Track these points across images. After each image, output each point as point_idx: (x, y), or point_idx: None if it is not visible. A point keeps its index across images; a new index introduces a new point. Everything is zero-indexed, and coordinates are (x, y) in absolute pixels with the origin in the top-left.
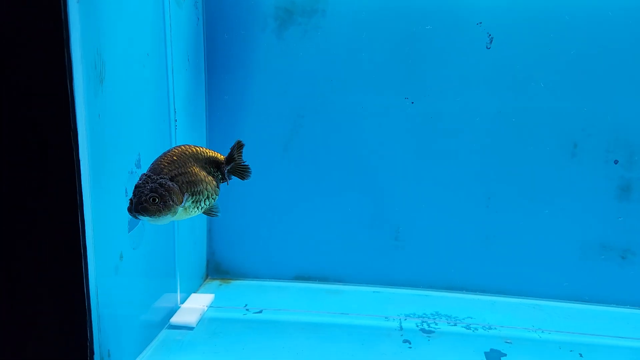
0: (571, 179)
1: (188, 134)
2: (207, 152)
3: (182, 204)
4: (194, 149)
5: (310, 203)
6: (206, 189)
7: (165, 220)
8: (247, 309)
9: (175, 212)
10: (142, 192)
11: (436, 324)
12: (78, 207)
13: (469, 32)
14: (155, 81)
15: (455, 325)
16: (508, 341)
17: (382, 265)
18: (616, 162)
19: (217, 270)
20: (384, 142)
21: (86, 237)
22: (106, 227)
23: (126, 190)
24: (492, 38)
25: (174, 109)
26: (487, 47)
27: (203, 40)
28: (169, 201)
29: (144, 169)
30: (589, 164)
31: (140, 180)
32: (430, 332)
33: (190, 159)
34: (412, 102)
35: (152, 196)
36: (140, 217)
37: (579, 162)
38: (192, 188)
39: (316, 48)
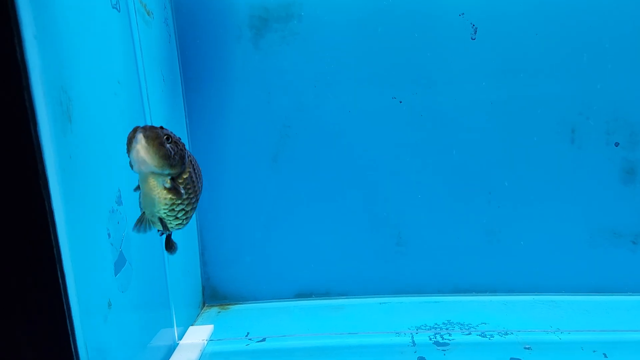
0: (573, 166)
1: None
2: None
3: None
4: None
5: (305, 215)
6: (187, 212)
7: (155, 160)
8: (249, 339)
9: (164, 162)
10: (153, 127)
11: (450, 335)
12: (56, 261)
13: (452, 24)
14: (130, 108)
15: (469, 334)
16: (527, 347)
17: (386, 273)
18: (617, 144)
19: (214, 296)
20: (375, 145)
21: (68, 293)
22: (90, 276)
23: (108, 231)
24: (476, 28)
25: None
26: (472, 38)
27: (177, 57)
28: (183, 151)
29: (126, 205)
30: (590, 148)
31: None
32: (444, 344)
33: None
34: (401, 102)
35: (167, 134)
36: (138, 150)
37: (579, 148)
38: (194, 184)
39: (296, 54)
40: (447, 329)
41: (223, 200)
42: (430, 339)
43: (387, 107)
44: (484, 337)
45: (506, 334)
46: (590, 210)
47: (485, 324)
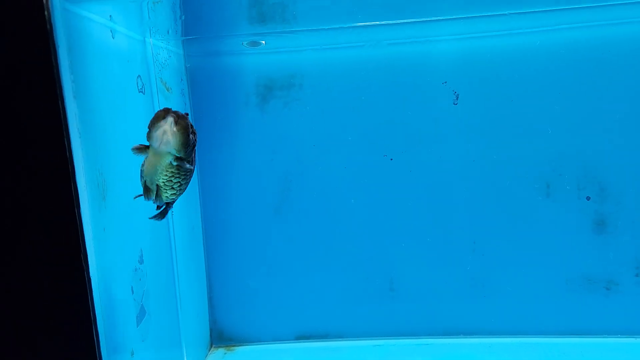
0: (549, 217)
1: (185, 215)
2: None
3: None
4: None
5: (304, 262)
6: (180, 185)
7: (178, 145)
8: None
9: (183, 148)
10: (183, 116)
11: None
12: (92, 321)
13: (436, 90)
14: None
15: None
16: None
17: (379, 316)
18: (588, 198)
19: (220, 337)
20: (369, 198)
21: (100, 347)
22: (116, 330)
23: (132, 288)
24: (457, 94)
25: None
26: (454, 103)
27: (192, 121)
28: (195, 145)
29: (147, 263)
30: (564, 201)
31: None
32: None
33: None
34: (391, 159)
35: (187, 113)
36: (166, 131)
37: (554, 201)
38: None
39: (297, 117)
40: None
41: (230, 248)
42: None
43: (379, 164)
44: None
45: None
46: (566, 258)
47: None
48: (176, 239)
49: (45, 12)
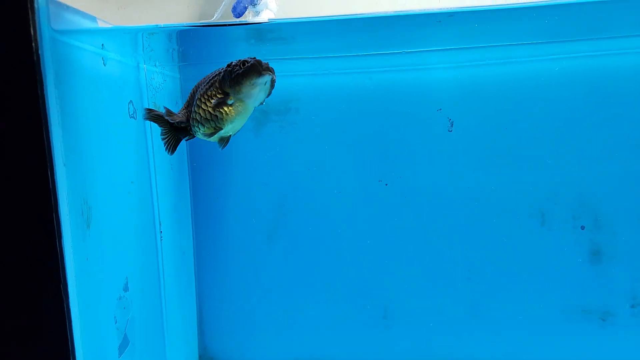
0: (544, 247)
1: (175, 238)
2: None
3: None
4: None
5: (298, 289)
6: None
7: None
8: None
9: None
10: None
11: None
12: (69, 352)
13: (431, 117)
14: (140, 202)
15: None
16: None
17: (373, 344)
18: (583, 227)
19: None
20: (363, 224)
21: None
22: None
23: (115, 317)
24: (452, 122)
25: (159, 222)
26: (449, 130)
27: (185, 143)
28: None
29: (132, 290)
30: (559, 231)
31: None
32: None
33: None
34: (386, 184)
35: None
36: (267, 77)
37: (549, 230)
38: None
39: (292, 141)
40: None
41: (222, 273)
42: None
43: (374, 189)
44: None
45: None
46: (561, 288)
47: None
48: (165, 265)
49: (33, 44)
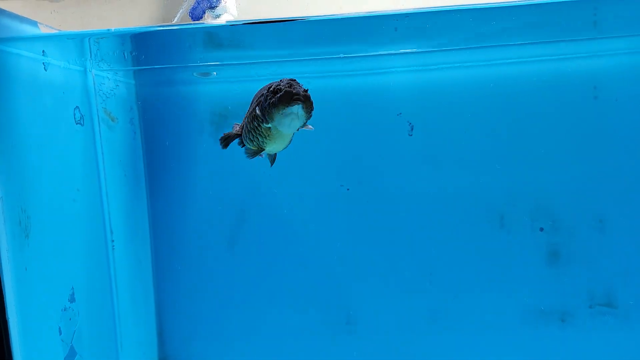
0: (503, 250)
1: (129, 247)
2: None
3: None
4: None
5: (259, 295)
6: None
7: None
8: None
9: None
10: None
11: None
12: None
13: (391, 122)
14: (89, 209)
15: None
16: None
17: (336, 350)
18: (541, 229)
19: None
20: (325, 229)
21: None
22: None
23: (59, 328)
24: (412, 126)
25: (111, 231)
26: (409, 134)
27: (142, 150)
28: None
29: (78, 301)
30: (517, 233)
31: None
32: None
33: None
34: (348, 189)
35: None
36: (297, 107)
37: (507, 233)
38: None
39: None
40: None
41: (182, 281)
42: None
43: (335, 194)
44: None
45: None
46: (521, 290)
47: None
48: (118, 274)
49: None
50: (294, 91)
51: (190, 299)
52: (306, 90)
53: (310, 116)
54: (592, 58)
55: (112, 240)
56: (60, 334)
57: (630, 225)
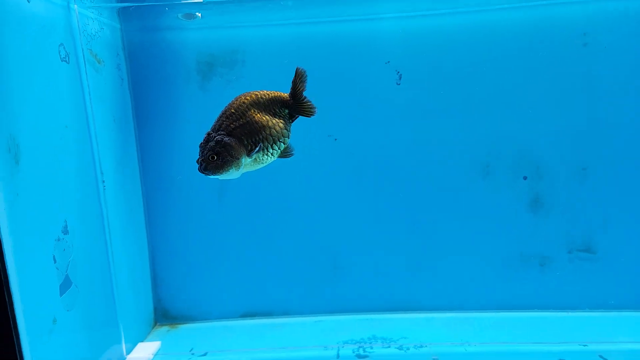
0: (487, 197)
1: (119, 190)
2: (268, 95)
3: (245, 155)
4: (253, 95)
5: (249, 241)
6: (270, 134)
7: (233, 174)
8: (192, 353)
9: (239, 165)
10: (203, 152)
11: (372, 348)
12: (3, 284)
13: (379, 70)
14: (78, 148)
15: (389, 347)
16: (435, 357)
17: (322, 294)
18: (525, 178)
19: (165, 316)
20: (313, 179)
21: (15, 309)
22: (35, 296)
23: (54, 257)
24: (400, 75)
25: (101, 171)
26: (397, 83)
27: (130, 98)
28: (227, 157)
29: (72, 233)
30: (502, 181)
31: (203, 139)
32: (364, 356)
33: (250, 106)
34: (336, 139)
35: (210, 154)
36: (208, 175)
37: (492, 181)
38: (253, 137)
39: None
40: (370, 343)
41: (174, 228)
42: (353, 352)
43: (323, 144)
44: (400, 349)
45: (421, 346)
46: (503, 236)
47: (405, 337)
48: (110, 215)
49: None
50: (199, 167)
51: (183, 244)
52: (212, 149)
53: (229, 165)
54: (583, 3)
55: (103, 181)
56: (55, 262)
57: (612, 173)
